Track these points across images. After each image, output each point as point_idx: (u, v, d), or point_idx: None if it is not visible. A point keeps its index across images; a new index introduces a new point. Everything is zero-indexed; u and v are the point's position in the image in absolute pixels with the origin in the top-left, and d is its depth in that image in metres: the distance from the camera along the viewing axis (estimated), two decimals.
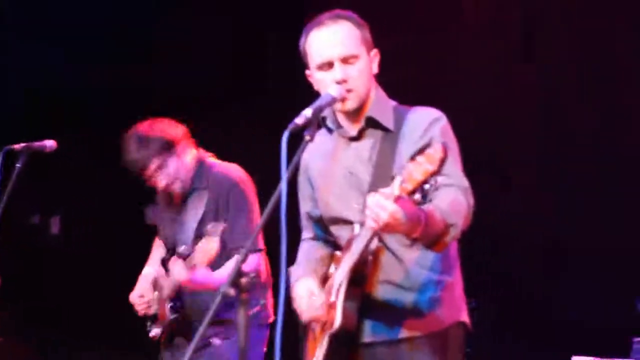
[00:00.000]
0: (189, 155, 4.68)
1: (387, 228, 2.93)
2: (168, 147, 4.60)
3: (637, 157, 5.43)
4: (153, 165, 4.60)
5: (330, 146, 3.40)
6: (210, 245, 4.23)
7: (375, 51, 3.34)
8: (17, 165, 4.23)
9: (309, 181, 3.49)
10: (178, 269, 4.35)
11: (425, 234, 2.98)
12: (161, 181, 4.64)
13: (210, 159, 4.78)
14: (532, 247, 5.74)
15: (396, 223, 2.89)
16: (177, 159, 4.63)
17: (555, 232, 5.66)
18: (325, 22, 3.30)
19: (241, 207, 4.57)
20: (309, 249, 3.52)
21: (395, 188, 2.84)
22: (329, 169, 3.38)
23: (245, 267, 4.24)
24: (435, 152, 2.77)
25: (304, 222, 3.56)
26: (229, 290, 2.78)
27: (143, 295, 4.68)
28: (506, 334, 5.68)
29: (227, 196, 4.58)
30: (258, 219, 4.62)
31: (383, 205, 2.87)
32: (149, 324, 4.71)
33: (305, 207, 3.54)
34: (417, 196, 2.81)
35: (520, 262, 5.75)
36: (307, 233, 3.57)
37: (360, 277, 3.17)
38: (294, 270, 3.40)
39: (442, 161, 2.76)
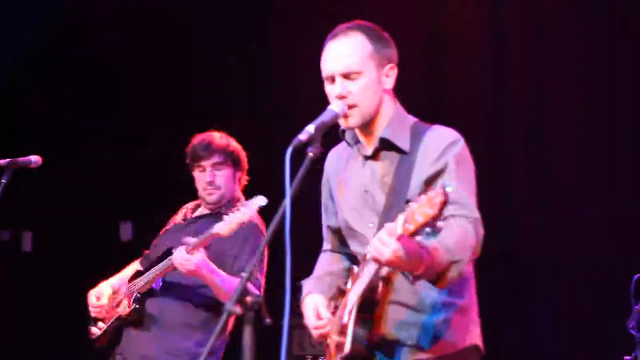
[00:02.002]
0: (239, 189, 4.70)
1: (390, 265, 2.94)
2: (234, 160, 4.65)
3: None
4: (214, 159, 4.61)
5: (351, 160, 3.36)
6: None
7: (390, 66, 3.24)
8: (2, 180, 4.16)
9: (329, 192, 3.44)
10: (181, 254, 4.32)
11: (428, 272, 2.96)
12: (205, 177, 4.60)
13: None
14: None
15: (398, 261, 2.89)
16: (231, 177, 4.66)
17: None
18: (338, 34, 3.24)
19: (250, 242, 4.53)
20: (325, 262, 3.48)
21: (398, 227, 2.84)
22: (348, 183, 3.33)
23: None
24: (437, 195, 2.73)
25: (324, 233, 3.51)
26: (235, 308, 2.73)
27: (99, 298, 4.65)
28: None
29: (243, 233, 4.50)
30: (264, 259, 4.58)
31: (386, 243, 2.87)
32: (91, 322, 4.70)
33: (325, 217, 3.49)
34: (419, 238, 2.81)
35: None
36: (326, 244, 3.52)
37: (369, 302, 3.13)
38: (306, 283, 3.37)
39: (443, 205, 2.72)
